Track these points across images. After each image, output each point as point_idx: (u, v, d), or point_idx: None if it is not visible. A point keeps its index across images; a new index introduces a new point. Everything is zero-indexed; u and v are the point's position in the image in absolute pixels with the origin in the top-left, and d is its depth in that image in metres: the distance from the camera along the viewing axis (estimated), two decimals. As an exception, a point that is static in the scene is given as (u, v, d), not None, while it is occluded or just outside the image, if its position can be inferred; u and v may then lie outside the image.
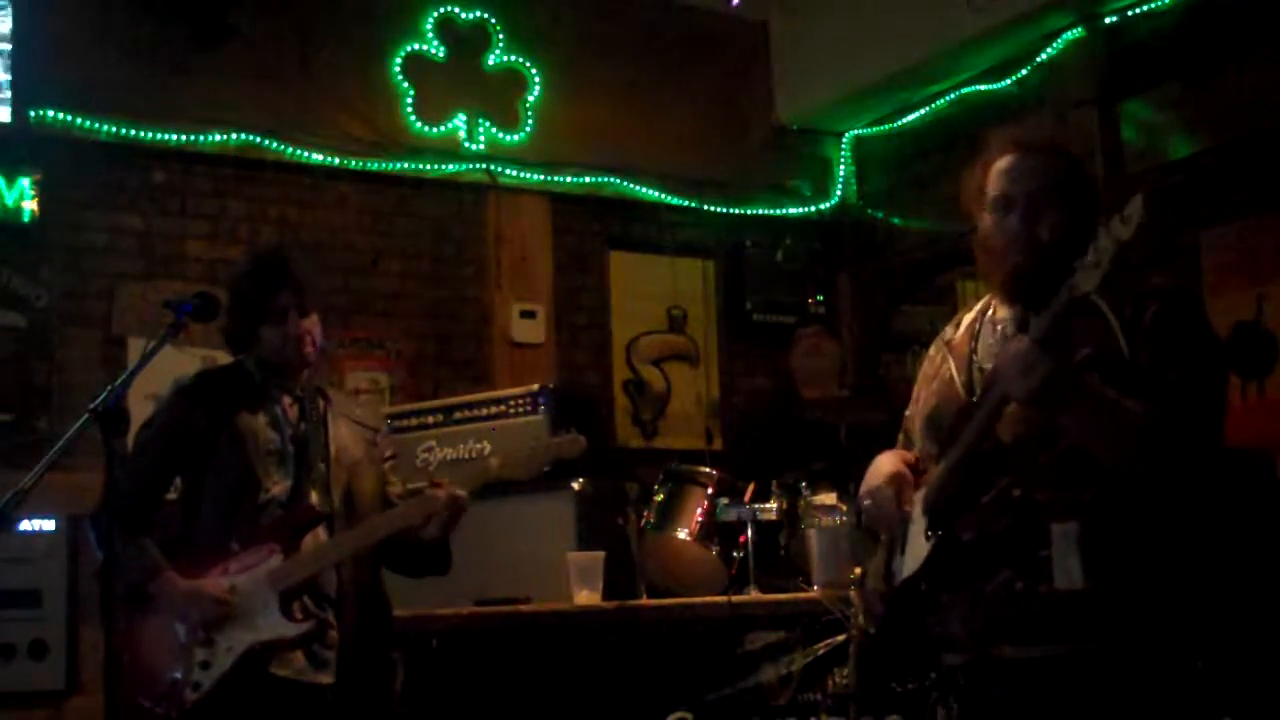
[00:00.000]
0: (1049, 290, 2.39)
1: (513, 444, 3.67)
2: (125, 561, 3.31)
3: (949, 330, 2.79)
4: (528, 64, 6.47)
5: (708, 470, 4.71)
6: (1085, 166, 2.66)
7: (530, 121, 6.44)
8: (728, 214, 6.91)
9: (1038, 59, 6.03)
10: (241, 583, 3.32)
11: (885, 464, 2.76)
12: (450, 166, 6.27)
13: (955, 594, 2.55)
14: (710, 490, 4.61)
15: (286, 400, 3.52)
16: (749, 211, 6.96)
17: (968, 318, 2.76)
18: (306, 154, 5.93)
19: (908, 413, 2.85)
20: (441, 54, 6.32)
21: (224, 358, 3.78)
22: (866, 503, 2.75)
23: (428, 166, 6.22)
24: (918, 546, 2.62)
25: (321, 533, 3.44)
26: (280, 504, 3.42)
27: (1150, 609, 2.40)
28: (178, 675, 3.25)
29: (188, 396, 3.48)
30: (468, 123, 6.32)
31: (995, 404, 2.47)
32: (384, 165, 6.12)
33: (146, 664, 3.29)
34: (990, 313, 2.70)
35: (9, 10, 5.32)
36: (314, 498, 3.45)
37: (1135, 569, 2.40)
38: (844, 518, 4.27)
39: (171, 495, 3.54)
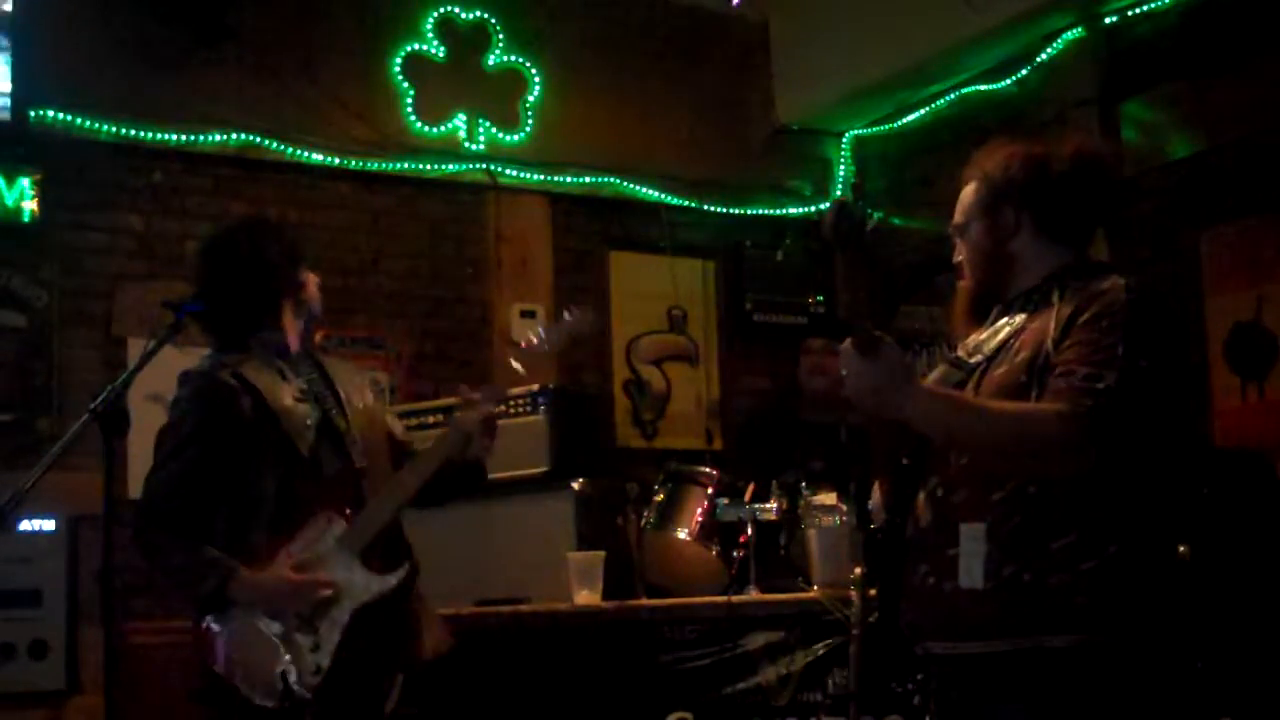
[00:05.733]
0: (992, 306, 2.59)
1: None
2: (188, 570, 3.23)
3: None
4: (528, 64, 6.48)
5: (708, 470, 4.72)
6: (1005, 180, 2.62)
7: (530, 121, 6.45)
8: (728, 214, 6.91)
9: (1038, 59, 6.03)
10: (314, 556, 3.27)
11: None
12: (450, 166, 6.27)
13: (900, 588, 2.60)
14: (710, 490, 4.61)
15: (299, 369, 3.45)
16: (749, 211, 6.96)
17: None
18: (306, 154, 5.92)
19: None
20: (441, 54, 6.32)
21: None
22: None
23: (428, 166, 6.22)
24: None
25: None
26: (318, 474, 3.36)
27: (1055, 614, 2.36)
28: (291, 668, 3.20)
29: (215, 387, 3.33)
30: (468, 123, 6.32)
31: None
32: (384, 165, 6.12)
33: (253, 666, 3.21)
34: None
35: (9, 10, 5.31)
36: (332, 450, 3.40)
37: (1038, 574, 2.37)
38: (844, 518, 4.27)
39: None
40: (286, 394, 3.38)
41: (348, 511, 3.33)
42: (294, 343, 3.47)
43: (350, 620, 3.24)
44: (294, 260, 3.46)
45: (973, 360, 2.57)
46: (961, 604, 2.44)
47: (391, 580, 3.30)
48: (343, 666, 3.22)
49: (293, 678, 3.18)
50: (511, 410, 4.91)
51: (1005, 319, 2.60)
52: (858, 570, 2.90)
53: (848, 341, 2.33)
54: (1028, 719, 2.41)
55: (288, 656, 3.21)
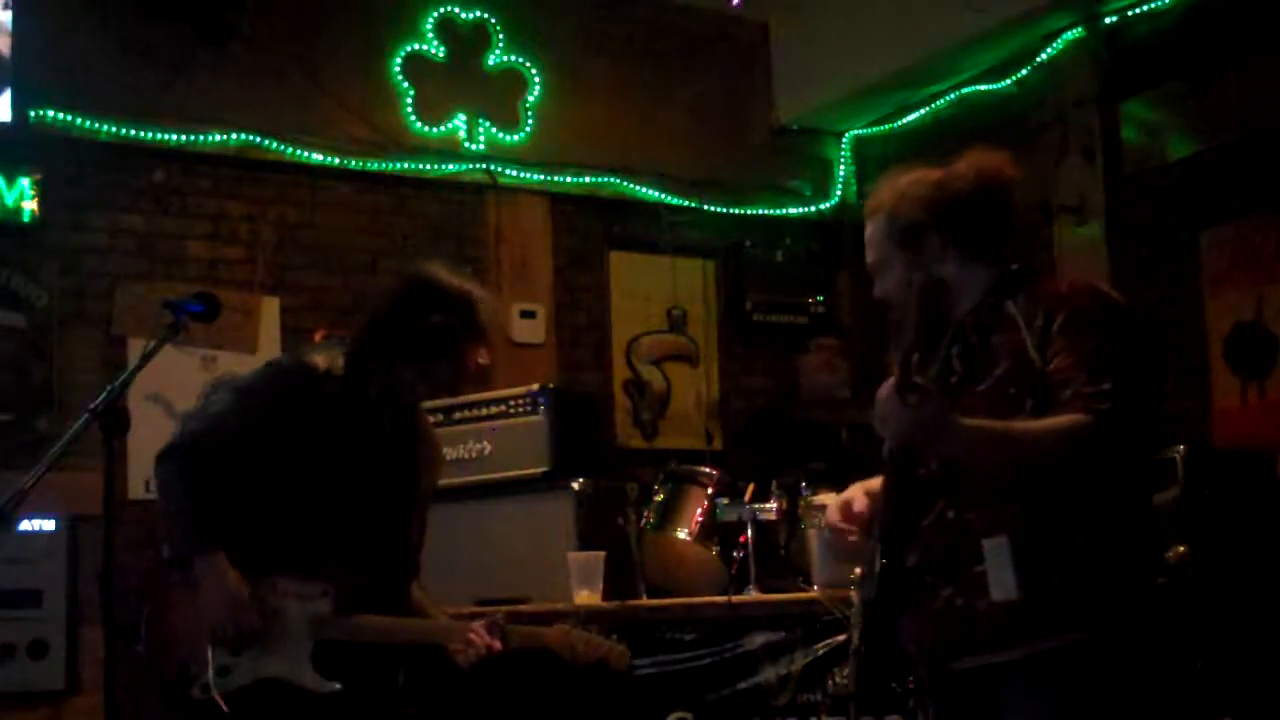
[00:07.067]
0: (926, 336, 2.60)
1: (568, 630, 3.45)
2: (178, 521, 3.21)
3: None
4: (528, 64, 6.47)
5: (708, 470, 4.72)
6: (919, 211, 2.70)
7: (530, 121, 6.45)
8: (728, 214, 6.90)
9: (1038, 59, 6.03)
10: (283, 609, 3.22)
11: (846, 492, 2.88)
12: (450, 166, 6.27)
13: (909, 615, 2.61)
14: (710, 490, 4.61)
15: (390, 424, 3.39)
16: (749, 211, 6.96)
17: None
18: (306, 154, 5.92)
19: None
20: (441, 54, 6.32)
21: (225, 357, 3.72)
22: (826, 534, 2.87)
23: (428, 166, 6.22)
24: (875, 570, 2.69)
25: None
26: (341, 538, 3.29)
27: (1089, 607, 2.44)
28: (192, 665, 3.18)
29: (305, 388, 3.29)
30: (468, 123, 6.32)
31: (885, 447, 2.56)
32: (384, 165, 6.12)
33: (170, 639, 3.21)
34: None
35: (9, 10, 5.32)
36: (382, 537, 3.36)
37: (1069, 571, 2.44)
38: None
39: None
40: (356, 441, 3.32)
41: (341, 601, 3.26)
42: (408, 395, 3.42)
43: (252, 682, 3.19)
44: (452, 338, 3.34)
45: (952, 380, 2.57)
46: (998, 617, 2.47)
47: (316, 687, 3.20)
48: (231, 704, 3.18)
49: (202, 679, 3.17)
50: (512, 410, 4.91)
51: (959, 339, 2.62)
52: (858, 570, 2.90)
53: (889, 384, 2.35)
54: (1054, 715, 2.46)
55: (198, 657, 3.18)
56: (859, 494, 2.83)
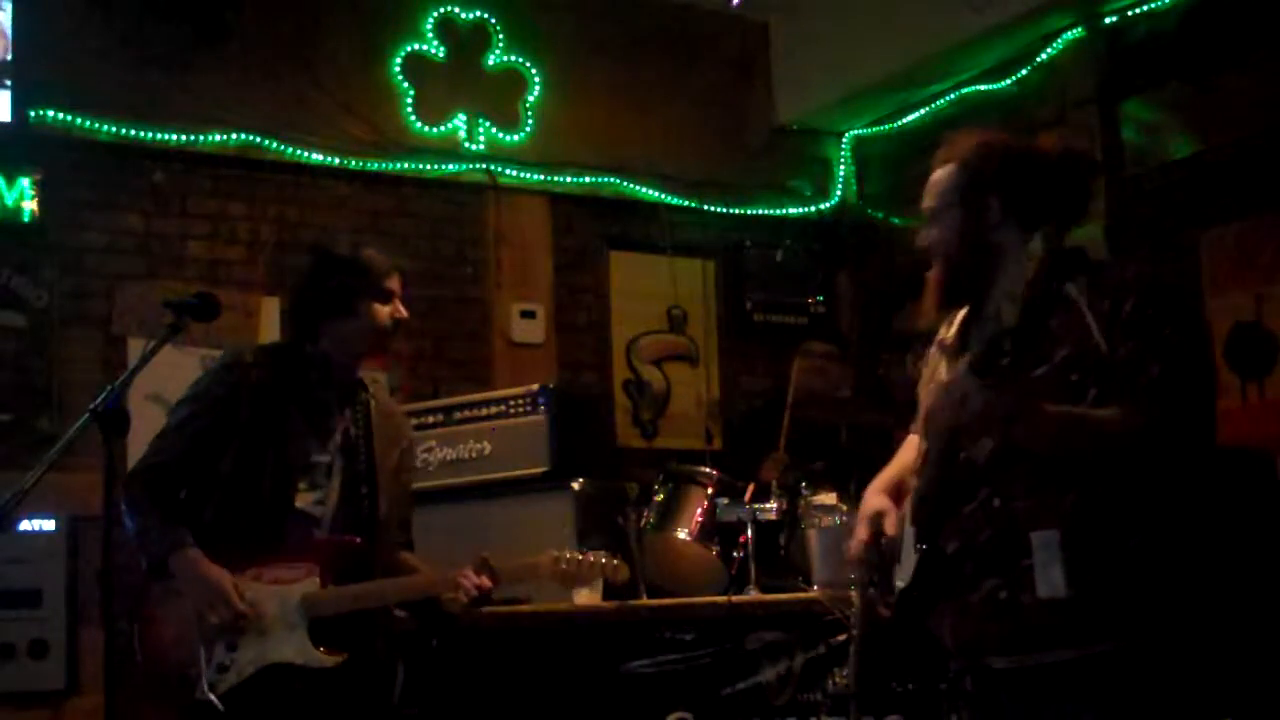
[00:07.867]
0: (968, 294, 2.61)
1: (564, 556, 3.50)
2: (149, 531, 3.28)
3: (943, 329, 2.79)
4: (528, 64, 6.47)
5: (708, 470, 4.72)
6: (989, 171, 2.63)
7: (530, 121, 6.45)
8: (728, 214, 6.90)
9: (1038, 59, 6.03)
10: (271, 596, 3.27)
11: (872, 502, 2.81)
12: (450, 166, 6.27)
13: (946, 604, 2.56)
14: (710, 490, 4.61)
15: (335, 399, 3.47)
16: (749, 211, 6.96)
17: (960, 314, 2.75)
18: (306, 154, 5.92)
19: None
20: (441, 54, 6.32)
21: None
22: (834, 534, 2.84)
23: (428, 166, 6.22)
24: (909, 557, 2.63)
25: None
26: (310, 518, 3.36)
27: (1138, 612, 2.38)
28: (190, 669, 3.20)
29: (237, 378, 3.40)
30: (468, 123, 6.32)
31: (944, 430, 2.50)
32: (384, 165, 6.12)
33: (162, 648, 3.25)
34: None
35: (9, 10, 5.32)
36: (350, 511, 3.41)
37: (1120, 573, 2.38)
38: (844, 518, 4.27)
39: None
40: (306, 419, 3.40)
41: (328, 577, 3.30)
42: (338, 368, 3.48)
43: (256, 672, 3.23)
44: (349, 296, 3.45)
45: (1002, 362, 2.48)
46: (1044, 615, 2.41)
47: (322, 663, 3.25)
48: (235, 700, 3.20)
49: (202, 681, 3.18)
50: (512, 410, 4.91)
51: (1011, 317, 2.53)
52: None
53: (966, 363, 2.33)
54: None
55: (196, 659, 3.21)
56: (885, 502, 2.76)
